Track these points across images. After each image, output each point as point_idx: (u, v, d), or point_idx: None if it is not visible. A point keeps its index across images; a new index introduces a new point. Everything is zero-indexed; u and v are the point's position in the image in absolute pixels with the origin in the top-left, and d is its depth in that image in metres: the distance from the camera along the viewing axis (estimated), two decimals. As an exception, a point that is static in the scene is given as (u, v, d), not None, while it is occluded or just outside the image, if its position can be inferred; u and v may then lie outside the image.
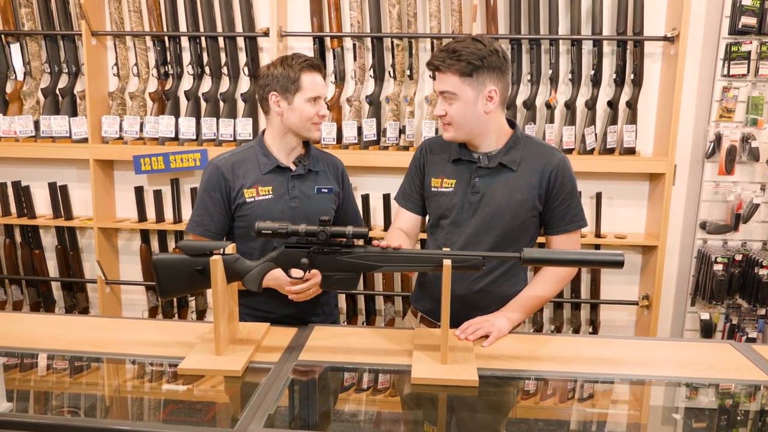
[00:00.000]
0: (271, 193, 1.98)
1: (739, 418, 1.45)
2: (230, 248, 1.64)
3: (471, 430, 1.36)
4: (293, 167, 2.01)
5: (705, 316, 2.97)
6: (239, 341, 1.69)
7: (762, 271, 2.84)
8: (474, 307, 1.85)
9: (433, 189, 1.93)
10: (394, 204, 3.01)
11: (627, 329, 3.16)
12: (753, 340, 2.94)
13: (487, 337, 1.75)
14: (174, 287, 1.64)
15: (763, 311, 2.95)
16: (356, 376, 1.59)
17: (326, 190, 2.06)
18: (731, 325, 3.00)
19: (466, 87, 1.74)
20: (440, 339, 1.66)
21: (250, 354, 1.61)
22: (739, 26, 2.74)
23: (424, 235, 2.08)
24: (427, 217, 2.02)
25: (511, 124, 1.91)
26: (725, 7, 2.79)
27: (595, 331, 3.11)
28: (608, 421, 1.45)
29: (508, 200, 1.83)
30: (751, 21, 2.74)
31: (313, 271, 1.68)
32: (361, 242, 1.73)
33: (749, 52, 2.79)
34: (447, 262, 1.52)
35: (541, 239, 2.01)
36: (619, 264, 1.49)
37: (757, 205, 2.85)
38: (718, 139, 2.85)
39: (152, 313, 3.26)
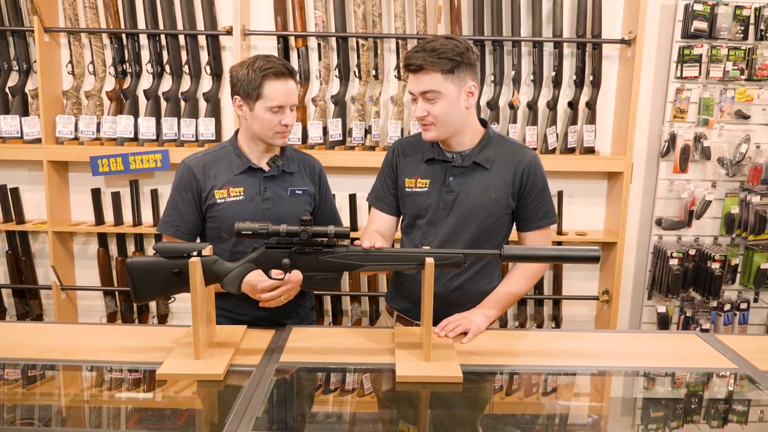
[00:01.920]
0: (242, 194, 1.94)
1: (714, 404, 1.51)
2: (207, 250, 1.61)
3: (458, 425, 1.37)
4: (266, 168, 1.98)
5: (662, 309, 3.08)
6: (217, 344, 1.66)
7: (714, 265, 2.97)
8: (451, 304, 1.87)
9: (407, 189, 1.93)
10: (360, 204, 3.04)
11: (587, 323, 3.25)
12: (706, 331, 3.07)
13: (465, 333, 1.77)
14: (149, 291, 1.59)
15: (714, 303, 3.08)
16: (340, 376, 1.58)
17: (300, 192, 2.03)
18: (685, 317, 3.12)
19: (449, 84, 1.74)
20: (420, 337, 1.67)
21: (230, 357, 1.58)
22: (692, 30, 2.85)
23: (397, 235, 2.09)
24: (402, 218, 2.03)
25: (483, 123, 1.93)
26: (678, 11, 2.90)
27: (557, 326, 3.18)
28: (592, 412, 1.49)
29: (482, 198, 1.85)
30: (703, 25, 2.86)
31: (287, 277, 1.66)
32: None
33: (701, 55, 2.91)
34: (430, 261, 1.53)
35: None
36: (595, 259, 1.54)
37: (709, 202, 2.97)
38: (673, 138, 2.96)
39: (111, 319, 3.16)
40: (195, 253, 1.57)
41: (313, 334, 1.79)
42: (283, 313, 2.01)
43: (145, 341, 1.73)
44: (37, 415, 1.39)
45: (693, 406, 1.49)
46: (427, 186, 1.89)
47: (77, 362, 1.60)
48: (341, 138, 2.96)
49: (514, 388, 1.56)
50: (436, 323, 1.78)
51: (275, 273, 1.62)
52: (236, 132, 2.03)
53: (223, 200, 1.94)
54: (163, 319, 3.17)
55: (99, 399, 1.47)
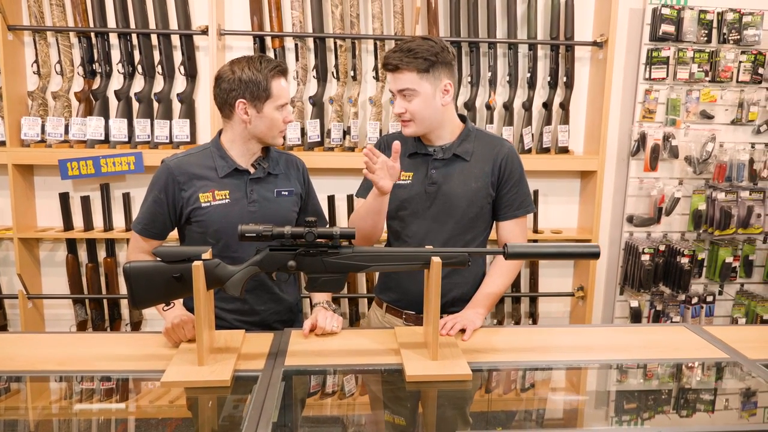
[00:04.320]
0: (228, 197, 1.89)
1: (717, 393, 1.56)
2: (208, 254, 1.57)
3: (475, 421, 1.38)
4: (252, 170, 1.95)
5: (634, 303, 3.17)
6: (218, 350, 1.62)
7: (683, 260, 3.07)
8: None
9: None
10: (338, 206, 3.03)
11: (562, 320, 3.32)
12: (676, 324, 3.17)
13: (463, 331, 1.79)
14: (148, 297, 1.54)
15: (683, 297, 3.19)
16: (349, 378, 1.57)
17: (286, 193, 2.00)
18: (655, 311, 3.22)
19: (425, 82, 1.82)
20: (423, 336, 1.68)
21: (234, 363, 1.55)
22: (660, 33, 2.95)
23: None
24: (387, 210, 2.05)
25: (462, 118, 2.00)
26: (646, 15, 3.00)
27: (534, 323, 3.23)
28: (600, 403, 1.52)
29: (464, 189, 1.91)
30: (670, 29, 2.96)
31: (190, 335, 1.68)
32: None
33: (668, 58, 3.01)
34: (436, 260, 1.53)
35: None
36: (596, 255, 1.57)
37: (678, 199, 3.08)
38: (643, 138, 3.06)
39: (81, 328, 3.05)
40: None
41: (314, 337, 1.76)
42: (273, 317, 1.99)
43: (138, 349, 1.68)
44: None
45: (697, 395, 1.55)
46: (410, 178, 1.95)
47: (75, 372, 1.54)
48: (319, 139, 2.94)
49: (525, 384, 1.58)
50: (419, 319, 1.83)
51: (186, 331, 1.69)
52: (219, 133, 1.98)
53: (208, 204, 1.88)
54: (136, 326, 3.09)
55: (102, 410, 1.42)
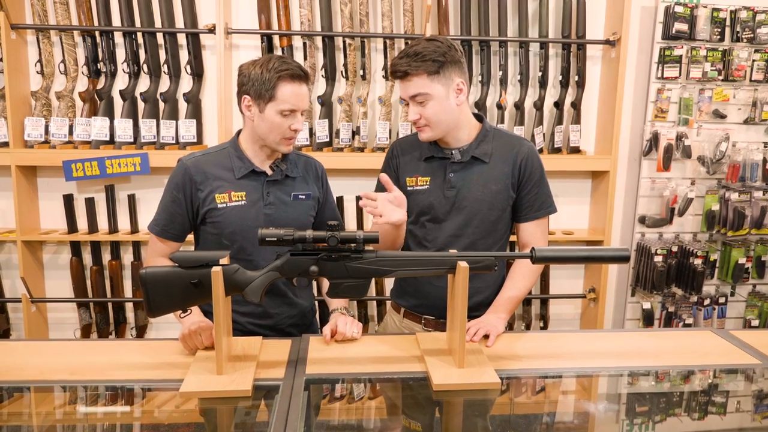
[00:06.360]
0: (244, 198, 1.85)
1: (754, 400, 1.53)
2: (226, 258, 1.52)
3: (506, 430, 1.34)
4: (269, 172, 1.90)
5: (647, 305, 3.13)
6: (236, 358, 1.57)
7: (696, 261, 3.04)
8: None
9: (408, 188, 1.93)
10: (347, 207, 2.98)
11: (573, 322, 3.28)
12: (689, 326, 3.15)
13: (486, 337, 1.74)
14: (165, 303, 1.49)
15: (695, 298, 3.16)
16: (374, 386, 1.52)
17: (304, 197, 1.96)
18: (667, 313, 3.19)
19: (436, 84, 1.76)
20: (447, 343, 1.64)
21: (253, 371, 1.50)
22: (673, 31, 2.92)
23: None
24: (408, 216, 2.00)
25: (479, 118, 1.94)
26: (659, 13, 2.96)
27: (545, 326, 3.20)
28: (641, 411, 1.48)
29: (484, 192, 1.86)
30: (683, 27, 2.92)
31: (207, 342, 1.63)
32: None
33: (681, 56, 2.97)
34: (463, 264, 1.49)
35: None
36: (625, 259, 1.53)
37: (691, 200, 3.04)
38: (655, 137, 3.02)
39: (85, 332, 2.99)
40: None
41: (334, 343, 1.71)
42: (286, 321, 1.95)
43: (152, 357, 1.62)
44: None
45: (731, 402, 1.51)
46: (428, 183, 1.90)
47: (89, 382, 1.49)
48: (328, 139, 2.90)
49: (555, 392, 1.54)
50: (439, 324, 1.79)
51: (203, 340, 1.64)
52: (238, 133, 1.94)
53: (224, 205, 1.84)
54: (142, 330, 3.03)
55: (122, 423, 1.37)
